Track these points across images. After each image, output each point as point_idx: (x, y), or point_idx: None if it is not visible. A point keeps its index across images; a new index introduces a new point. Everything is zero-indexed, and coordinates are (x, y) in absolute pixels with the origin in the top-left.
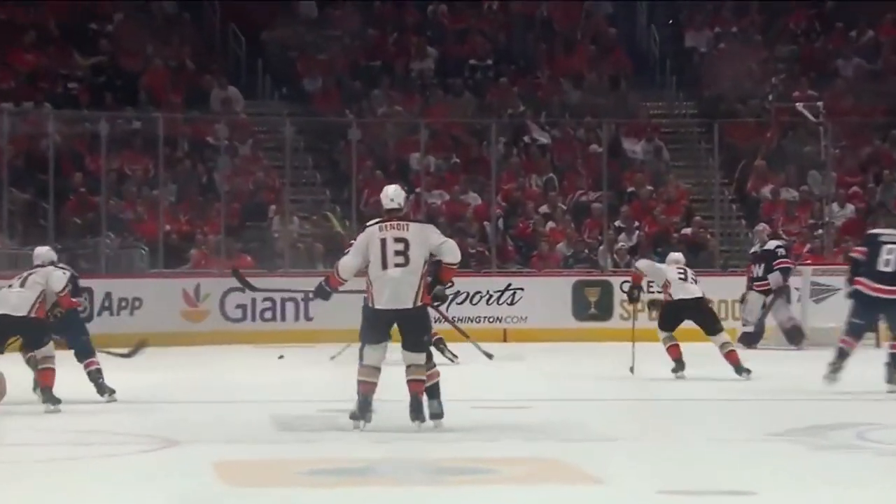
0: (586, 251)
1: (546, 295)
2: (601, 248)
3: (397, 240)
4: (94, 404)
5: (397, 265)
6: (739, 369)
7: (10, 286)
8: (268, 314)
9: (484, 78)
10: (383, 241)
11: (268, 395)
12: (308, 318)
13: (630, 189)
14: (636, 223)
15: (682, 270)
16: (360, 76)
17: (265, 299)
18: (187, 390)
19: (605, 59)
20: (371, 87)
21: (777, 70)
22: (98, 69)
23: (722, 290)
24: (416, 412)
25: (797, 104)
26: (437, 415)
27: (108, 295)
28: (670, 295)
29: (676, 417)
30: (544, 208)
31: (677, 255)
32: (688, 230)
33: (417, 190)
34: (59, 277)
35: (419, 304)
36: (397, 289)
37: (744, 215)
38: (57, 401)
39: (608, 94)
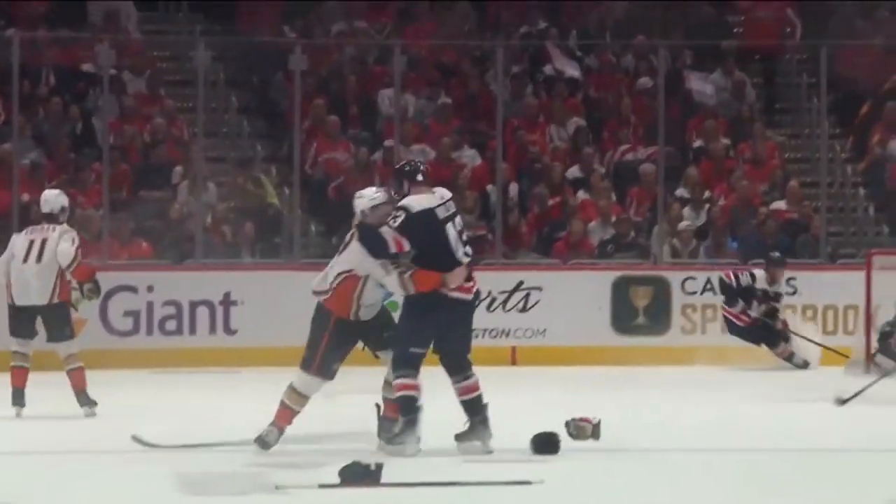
0: (633, 234)
1: (574, 298)
2: (655, 229)
3: None
4: None
5: None
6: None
7: (24, 258)
8: (170, 324)
9: None
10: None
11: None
12: (230, 331)
13: (698, 143)
14: (706, 193)
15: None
16: None
17: (165, 303)
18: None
19: None
20: None
21: None
22: None
23: (830, 290)
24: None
25: None
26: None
27: None
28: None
29: None
30: (573, 171)
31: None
32: (781, 203)
33: (388, 143)
34: (64, 251)
35: None
36: None
37: (863, 181)
38: (94, 402)
39: (667, 6)
